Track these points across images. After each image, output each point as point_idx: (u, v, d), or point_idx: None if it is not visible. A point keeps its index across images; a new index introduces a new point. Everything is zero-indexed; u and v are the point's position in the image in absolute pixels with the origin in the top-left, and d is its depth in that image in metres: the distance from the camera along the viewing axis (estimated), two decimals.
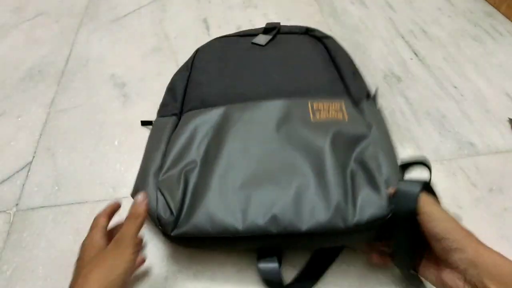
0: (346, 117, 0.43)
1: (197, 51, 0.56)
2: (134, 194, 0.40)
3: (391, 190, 0.35)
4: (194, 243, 0.38)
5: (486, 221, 0.47)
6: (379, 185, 0.36)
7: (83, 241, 0.34)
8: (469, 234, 0.31)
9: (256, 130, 0.42)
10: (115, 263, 0.29)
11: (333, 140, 0.40)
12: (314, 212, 0.35)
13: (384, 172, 0.38)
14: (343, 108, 0.44)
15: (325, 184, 0.36)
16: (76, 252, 0.33)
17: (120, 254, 0.29)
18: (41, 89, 0.67)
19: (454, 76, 0.68)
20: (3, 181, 0.50)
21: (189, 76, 0.52)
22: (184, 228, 0.35)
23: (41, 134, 0.57)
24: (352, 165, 0.39)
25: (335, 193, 0.35)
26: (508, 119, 0.60)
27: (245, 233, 0.34)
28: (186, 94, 0.50)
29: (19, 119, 0.61)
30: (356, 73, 0.49)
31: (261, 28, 0.57)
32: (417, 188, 0.33)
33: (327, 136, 0.40)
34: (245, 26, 0.79)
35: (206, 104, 0.46)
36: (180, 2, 0.89)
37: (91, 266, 0.29)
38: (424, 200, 0.32)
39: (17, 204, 0.48)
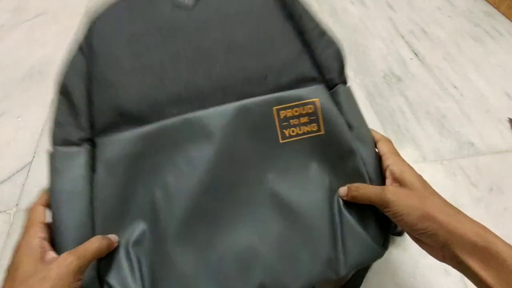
0: (323, 127, 0.33)
1: (93, 22, 0.34)
2: None
3: None
4: None
5: (486, 221, 0.46)
6: (370, 220, 0.32)
7: (17, 243, 0.26)
8: (436, 212, 0.27)
9: (205, 163, 0.31)
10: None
11: (313, 169, 0.33)
12: (303, 270, 0.30)
13: None
14: (318, 110, 0.33)
15: (312, 235, 0.31)
16: None
17: (57, 281, 0.22)
18: (41, 89, 0.67)
19: (454, 76, 0.68)
20: (3, 181, 0.50)
21: (88, 69, 0.33)
22: None
23: (41, 134, 0.57)
24: (336, 199, 0.33)
25: (324, 245, 0.31)
26: (508, 118, 0.60)
27: None
28: (91, 101, 0.32)
29: (19, 119, 0.61)
30: (323, 34, 0.35)
31: None
32: None
33: (304, 171, 0.33)
34: None
35: (127, 120, 0.32)
36: None
37: None
38: (388, 192, 0.29)
39: (17, 204, 0.48)
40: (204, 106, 0.32)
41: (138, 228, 0.30)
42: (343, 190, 0.32)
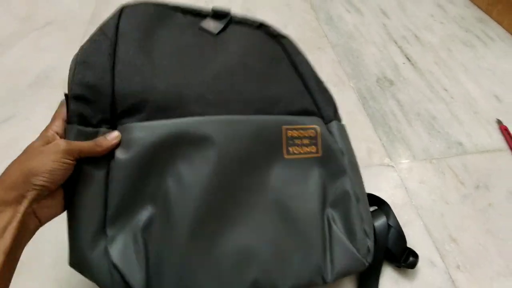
0: (320, 150, 0.38)
1: (122, 10, 0.36)
2: (74, 266, 0.31)
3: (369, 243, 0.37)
4: None
5: (472, 217, 0.49)
6: (356, 234, 0.36)
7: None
8: None
9: (217, 162, 0.33)
10: (42, 160, 0.27)
11: (310, 185, 0.37)
12: (293, 272, 0.33)
13: (361, 217, 0.37)
14: (318, 135, 0.38)
15: (305, 242, 0.34)
16: None
17: (47, 156, 0.28)
18: (47, 93, 0.70)
19: (445, 79, 0.71)
20: None
21: (114, 49, 0.33)
22: None
23: None
24: (328, 211, 0.37)
25: (314, 253, 0.34)
26: (496, 120, 0.62)
27: None
28: (114, 81, 0.32)
29: (28, 121, 0.64)
30: (320, 83, 0.42)
31: (206, 10, 0.42)
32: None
33: (302, 183, 0.36)
34: None
35: (151, 108, 0.32)
36: None
37: (21, 155, 0.29)
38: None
39: None
40: (224, 112, 0.34)
41: (148, 213, 0.31)
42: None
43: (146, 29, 0.36)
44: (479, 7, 0.94)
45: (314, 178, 0.37)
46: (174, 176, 0.32)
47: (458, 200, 0.51)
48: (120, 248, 0.30)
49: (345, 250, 0.35)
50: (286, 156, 0.36)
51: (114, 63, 0.33)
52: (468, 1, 0.96)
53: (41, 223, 0.29)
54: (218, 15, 0.41)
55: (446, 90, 0.68)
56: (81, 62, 0.32)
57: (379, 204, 0.46)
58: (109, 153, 0.31)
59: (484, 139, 0.59)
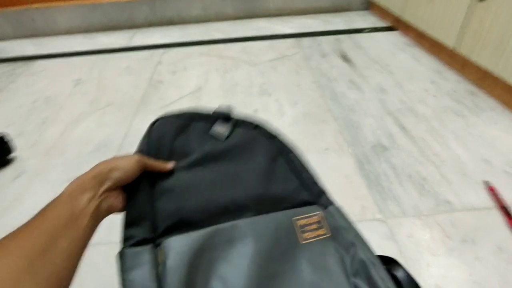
0: (329, 231, 0.43)
1: (152, 131, 0.49)
2: None
3: None
4: None
5: (459, 268, 0.54)
6: None
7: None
8: None
9: (250, 258, 0.39)
10: (124, 161, 0.39)
11: (328, 262, 0.41)
12: None
13: (382, 277, 0.41)
14: (322, 219, 0.44)
15: None
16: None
17: (127, 159, 0.39)
18: (104, 157, 0.88)
19: (436, 145, 0.80)
20: None
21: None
22: None
23: None
24: (353, 281, 0.42)
25: None
26: (483, 181, 0.69)
27: None
28: (154, 207, 0.42)
29: None
30: (311, 176, 0.50)
31: (206, 112, 0.52)
32: None
33: (323, 264, 0.41)
34: (261, 110, 1.00)
35: (187, 224, 0.40)
36: (212, 94, 1.13)
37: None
38: None
39: None
40: (244, 216, 0.43)
41: None
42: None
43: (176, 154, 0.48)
44: (470, 81, 1.05)
45: (332, 254, 0.42)
46: (217, 276, 0.37)
47: (445, 252, 0.56)
48: None
49: None
50: (302, 242, 0.42)
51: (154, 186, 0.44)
52: (460, 77, 1.08)
53: (114, 209, 0.39)
54: (223, 117, 0.52)
55: (436, 154, 0.77)
56: (128, 223, 0.41)
57: (389, 261, 0.52)
58: (155, 266, 0.37)
59: (472, 198, 0.66)
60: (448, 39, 1.09)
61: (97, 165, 0.38)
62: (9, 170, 0.84)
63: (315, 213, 0.44)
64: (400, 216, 0.63)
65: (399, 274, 0.49)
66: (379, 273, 0.42)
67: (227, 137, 0.51)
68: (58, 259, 0.30)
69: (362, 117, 0.92)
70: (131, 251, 0.37)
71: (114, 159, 0.40)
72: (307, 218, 0.44)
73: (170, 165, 0.45)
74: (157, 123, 0.51)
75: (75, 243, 0.33)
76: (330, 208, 0.46)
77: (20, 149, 0.90)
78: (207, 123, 0.53)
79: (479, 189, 0.68)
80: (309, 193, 0.48)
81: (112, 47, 1.59)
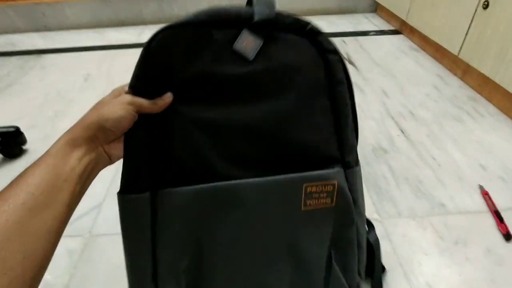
0: (335, 201, 0.40)
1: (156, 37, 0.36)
2: None
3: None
4: None
5: (449, 268, 0.57)
6: (352, 274, 0.44)
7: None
8: None
9: (243, 220, 0.39)
10: (111, 108, 0.33)
11: (319, 233, 0.42)
12: None
13: (359, 260, 0.44)
14: (335, 189, 0.40)
15: (313, 282, 0.43)
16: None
17: (117, 106, 0.34)
18: None
19: (434, 149, 0.82)
20: (83, 215, 0.70)
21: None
22: None
23: (110, 183, 0.79)
24: (333, 253, 0.43)
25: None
26: (479, 185, 0.71)
27: None
28: (154, 147, 0.38)
29: None
30: (354, 121, 0.42)
31: (235, 11, 0.37)
32: None
33: (313, 231, 0.41)
34: None
35: (185, 177, 0.38)
36: None
37: (95, 105, 0.35)
38: None
39: (90, 231, 0.67)
40: (248, 175, 0.38)
41: (186, 261, 0.39)
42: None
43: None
44: (471, 87, 1.07)
45: (327, 228, 0.41)
46: (207, 231, 0.39)
47: (437, 252, 0.59)
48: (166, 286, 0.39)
49: (339, 284, 0.43)
50: (303, 209, 0.40)
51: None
52: (461, 82, 1.10)
53: (111, 160, 0.37)
54: (257, 25, 0.36)
55: (434, 158, 0.79)
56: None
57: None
58: (151, 216, 0.38)
59: (466, 202, 0.68)
60: (451, 45, 1.11)
61: (84, 116, 0.34)
62: (21, 161, 0.87)
63: (332, 181, 0.39)
64: (395, 217, 0.66)
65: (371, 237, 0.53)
66: (359, 256, 0.45)
67: (257, 55, 0.37)
68: (33, 238, 0.25)
69: (363, 120, 0.94)
70: (131, 198, 0.38)
71: (102, 105, 0.34)
72: (320, 186, 0.39)
73: (167, 99, 0.36)
74: (157, 37, 0.36)
75: (56, 218, 0.28)
76: (351, 170, 0.41)
77: (32, 141, 0.93)
78: (234, 29, 0.36)
79: (474, 193, 0.70)
80: (338, 145, 0.41)
81: (121, 43, 1.62)
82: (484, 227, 0.63)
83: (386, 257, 0.58)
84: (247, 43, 0.36)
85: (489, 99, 1.01)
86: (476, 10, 0.99)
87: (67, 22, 1.86)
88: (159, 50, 0.35)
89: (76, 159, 0.31)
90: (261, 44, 0.36)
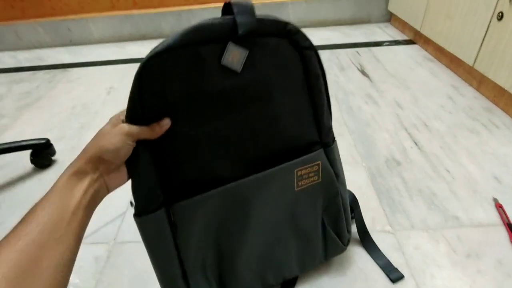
0: (321, 177, 0.49)
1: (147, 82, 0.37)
2: None
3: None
4: None
5: (461, 280, 0.57)
6: (343, 232, 0.56)
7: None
8: None
9: (253, 209, 0.46)
10: (110, 140, 0.34)
11: (312, 205, 0.52)
12: (305, 264, 0.56)
13: (346, 220, 0.56)
14: (320, 168, 0.48)
15: (312, 246, 0.55)
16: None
17: (114, 137, 0.34)
18: None
19: (448, 161, 0.83)
20: (107, 223, 0.75)
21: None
22: None
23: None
24: (325, 218, 0.54)
25: (318, 251, 0.56)
26: (493, 198, 0.72)
27: None
28: (161, 167, 0.40)
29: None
30: (329, 109, 0.49)
31: (217, 22, 0.37)
32: None
33: (307, 205, 0.51)
34: None
35: (194, 189, 0.42)
36: None
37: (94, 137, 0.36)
38: None
39: (115, 239, 0.71)
40: (250, 173, 0.44)
41: (210, 258, 0.48)
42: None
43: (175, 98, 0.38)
44: (487, 98, 1.07)
45: (318, 199, 0.52)
46: (224, 230, 0.47)
47: (449, 265, 0.60)
48: (195, 281, 0.48)
49: (335, 245, 0.56)
50: (296, 189, 0.49)
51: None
52: (477, 93, 1.10)
53: (109, 190, 0.37)
54: (239, 38, 0.37)
55: (448, 171, 0.80)
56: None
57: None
58: (170, 229, 0.43)
59: (479, 215, 0.69)
60: (466, 56, 1.11)
61: (85, 149, 0.35)
62: (51, 171, 0.93)
63: (316, 162, 0.48)
64: (408, 229, 0.67)
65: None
66: (346, 217, 0.55)
67: (244, 64, 0.38)
68: (46, 273, 0.27)
69: (377, 131, 0.95)
70: (146, 218, 0.42)
71: (101, 136, 0.35)
72: (308, 168, 0.48)
73: (165, 125, 0.37)
74: (146, 67, 0.36)
75: (67, 250, 0.29)
76: (330, 148, 0.50)
77: (60, 152, 0.99)
78: (219, 43, 0.37)
79: (488, 206, 0.70)
80: (317, 129, 0.48)
81: (142, 56, 1.69)
82: (497, 240, 0.63)
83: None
84: (234, 56, 0.37)
85: (505, 111, 1.00)
86: (490, 21, 0.99)
87: (91, 37, 1.96)
88: (150, 79, 0.36)
89: (82, 192, 0.33)
90: (246, 55, 0.38)
